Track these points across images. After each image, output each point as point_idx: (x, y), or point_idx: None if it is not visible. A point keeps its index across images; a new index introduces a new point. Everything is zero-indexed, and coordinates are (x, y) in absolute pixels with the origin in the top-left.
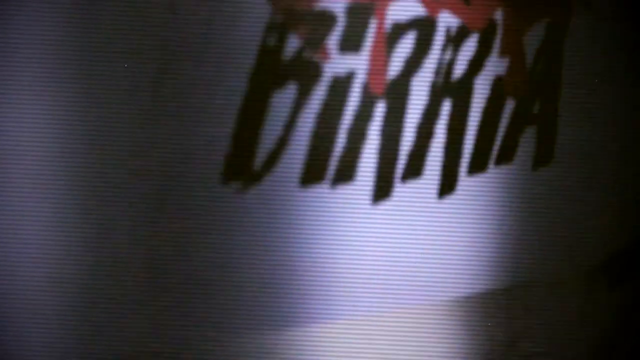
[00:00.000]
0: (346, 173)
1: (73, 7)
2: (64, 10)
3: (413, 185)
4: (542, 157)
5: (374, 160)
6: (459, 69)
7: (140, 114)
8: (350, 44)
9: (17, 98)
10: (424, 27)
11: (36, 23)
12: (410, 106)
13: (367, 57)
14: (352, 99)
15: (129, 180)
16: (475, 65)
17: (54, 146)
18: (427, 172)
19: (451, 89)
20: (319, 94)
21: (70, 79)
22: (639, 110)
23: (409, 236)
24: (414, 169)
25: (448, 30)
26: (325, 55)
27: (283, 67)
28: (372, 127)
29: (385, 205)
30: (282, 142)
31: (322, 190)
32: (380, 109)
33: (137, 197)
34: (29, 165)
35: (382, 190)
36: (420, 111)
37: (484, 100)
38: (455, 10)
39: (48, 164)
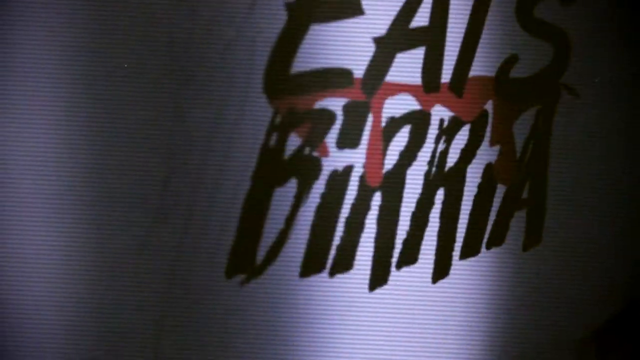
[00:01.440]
0: (344, 263)
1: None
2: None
3: (408, 271)
4: (531, 239)
5: (371, 249)
6: (452, 159)
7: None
8: (348, 139)
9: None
10: (418, 121)
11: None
12: (405, 196)
13: (364, 152)
14: (350, 191)
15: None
16: (468, 155)
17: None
18: (421, 259)
19: (444, 178)
20: (319, 188)
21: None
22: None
23: (406, 321)
24: (409, 256)
25: (441, 123)
26: (324, 151)
27: (284, 164)
28: (369, 218)
29: (382, 292)
30: (283, 236)
31: (321, 280)
32: (377, 200)
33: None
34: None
35: (378, 277)
36: (415, 200)
37: (475, 188)
38: (448, 104)
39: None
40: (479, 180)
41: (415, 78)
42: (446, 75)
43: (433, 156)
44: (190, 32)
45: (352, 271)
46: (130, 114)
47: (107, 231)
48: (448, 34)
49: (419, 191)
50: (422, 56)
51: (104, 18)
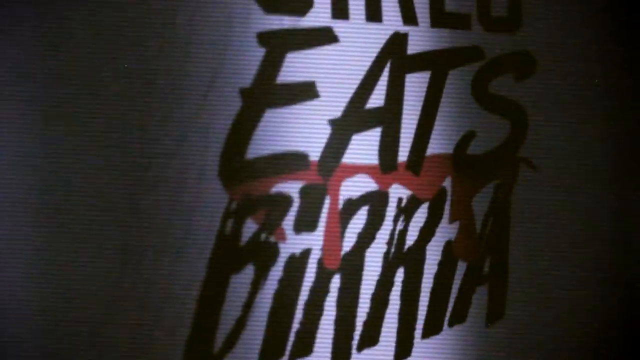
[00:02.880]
0: (304, 348)
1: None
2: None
3: (370, 353)
4: (494, 314)
5: (331, 333)
6: (411, 237)
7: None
8: (306, 223)
9: None
10: (376, 201)
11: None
12: (365, 277)
13: (322, 234)
14: (309, 275)
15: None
16: (427, 233)
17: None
18: (383, 340)
19: (404, 257)
20: (277, 273)
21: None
22: None
23: None
24: (370, 338)
25: (399, 202)
26: (281, 236)
27: (240, 251)
28: (329, 301)
29: None
30: (241, 323)
31: None
32: (336, 282)
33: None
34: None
35: None
36: (374, 281)
37: (436, 265)
38: (405, 183)
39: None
40: (439, 257)
41: (372, 158)
42: (403, 155)
43: (392, 236)
44: (144, 120)
45: (311, 356)
46: (84, 207)
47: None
48: (404, 113)
49: (379, 272)
50: (378, 136)
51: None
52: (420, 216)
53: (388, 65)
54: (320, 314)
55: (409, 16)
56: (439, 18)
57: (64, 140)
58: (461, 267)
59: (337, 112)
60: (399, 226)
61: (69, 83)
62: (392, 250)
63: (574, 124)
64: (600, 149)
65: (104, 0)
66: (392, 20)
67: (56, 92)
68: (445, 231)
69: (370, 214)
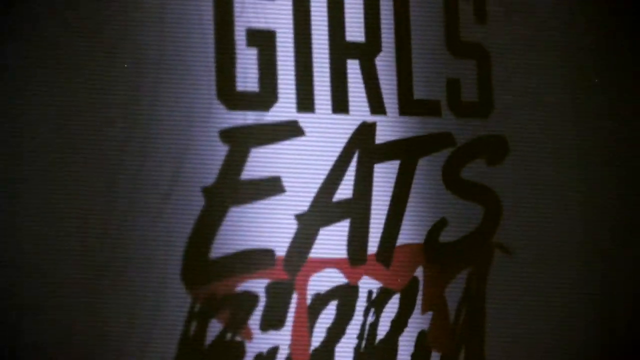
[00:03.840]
0: None
1: None
2: None
3: None
4: None
5: None
6: (383, 330)
7: None
8: (273, 321)
9: None
10: (346, 295)
11: None
12: None
13: (289, 332)
14: None
15: None
16: (399, 324)
17: None
18: None
19: (375, 350)
20: None
21: None
22: None
23: None
24: None
25: (370, 295)
26: (248, 335)
27: (205, 353)
28: None
29: None
30: None
31: None
32: None
33: None
34: None
35: None
36: None
37: (408, 357)
38: (376, 275)
39: None
40: (412, 349)
41: (341, 252)
42: (373, 246)
43: (363, 329)
44: (105, 222)
45: None
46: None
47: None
48: (373, 204)
49: None
50: (346, 229)
51: None
52: (391, 307)
53: (356, 156)
54: None
55: (376, 105)
56: (408, 106)
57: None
58: (435, 359)
59: (303, 206)
60: (370, 319)
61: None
62: (363, 343)
63: (549, 210)
64: (579, 232)
65: (65, 106)
66: (359, 110)
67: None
68: (417, 322)
69: (339, 308)
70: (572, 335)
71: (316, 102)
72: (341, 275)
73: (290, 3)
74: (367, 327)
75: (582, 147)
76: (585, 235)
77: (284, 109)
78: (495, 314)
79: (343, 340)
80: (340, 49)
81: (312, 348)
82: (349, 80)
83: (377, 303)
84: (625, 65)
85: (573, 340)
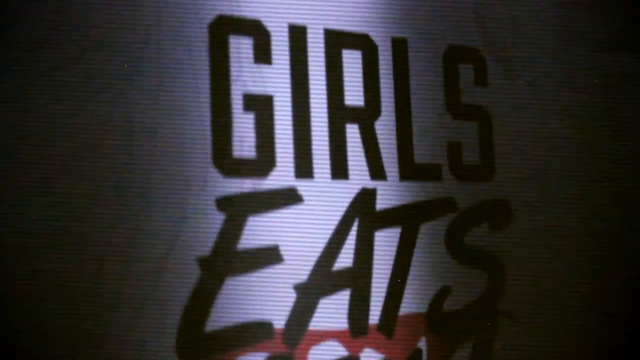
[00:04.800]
0: None
1: None
2: None
3: None
4: None
5: None
6: None
7: None
8: None
9: None
10: None
11: None
12: None
13: None
14: None
15: None
16: None
17: None
18: None
19: None
20: None
21: None
22: None
23: None
24: None
25: None
26: None
27: None
28: None
29: None
30: None
31: None
32: None
33: None
34: None
35: None
36: None
37: None
38: (377, 346)
39: None
40: None
41: (341, 323)
42: (374, 316)
43: None
44: (97, 296)
45: None
46: None
47: None
48: (374, 272)
49: None
50: (347, 299)
51: None
52: None
53: (356, 223)
54: None
55: (376, 170)
56: (409, 170)
57: None
58: None
59: (302, 276)
60: None
61: None
62: None
63: (553, 273)
64: (584, 294)
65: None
66: (359, 175)
67: None
68: None
69: None
70: None
71: (315, 167)
72: (342, 347)
73: (288, 67)
74: None
75: (585, 208)
76: (592, 300)
77: (282, 175)
78: None
79: None
80: (339, 113)
81: None
82: (349, 145)
83: None
84: (630, 129)
85: None
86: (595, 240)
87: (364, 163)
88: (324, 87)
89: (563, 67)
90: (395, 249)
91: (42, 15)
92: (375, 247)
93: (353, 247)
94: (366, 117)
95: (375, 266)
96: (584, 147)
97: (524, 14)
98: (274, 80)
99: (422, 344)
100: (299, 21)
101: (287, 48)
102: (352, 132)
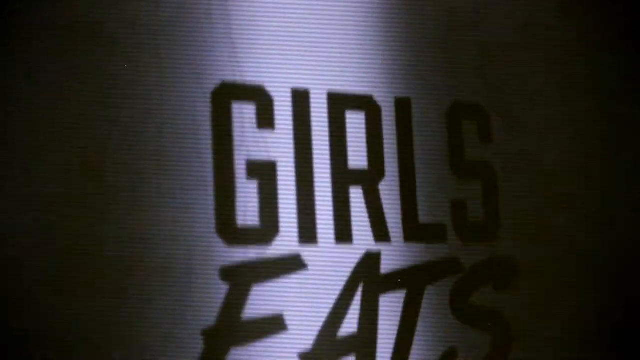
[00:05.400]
0: None
1: None
2: None
3: None
4: None
5: None
6: None
7: None
8: None
9: None
10: None
11: None
12: None
13: None
14: None
15: None
16: None
17: None
18: None
19: None
20: None
21: None
22: None
23: None
24: None
25: None
26: None
27: None
28: None
29: None
30: None
31: None
32: None
33: None
34: None
35: None
36: None
37: None
38: None
39: None
40: None
41: None
42: None
43: None
44: None
45: None
46: None
47: None
48: (379, 338)
49: None
50: None
51: None
52: None
53: (360, 287)
54: None
55: (380, 233)
56: (413, 232)
57: None
58: None
59: (307, 344)
60: None
61: None
62: None
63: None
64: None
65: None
66: (363, 239)
67: None
68: None
69: None
70: None
71: (319, 232)
72: None
73: (291, 132)
74: None
75: (589, 267)
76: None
77: (285, 241)
78: None
79: None
80: (343, 177)
81: None
82: (352, 208)
83: None
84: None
85: None
86: (601, 297)
87: (368, 226)
88: (328, 150)
89: (569, 118)
90: (400, 312)
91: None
92: (380, 312)
93: (358, 312)
94: (370, 178)
95: (380, 331)
96: (590, 202)
97: (526, 68)
98: (278, 146)
99: None
100: (301, 85)
101: (290, 113)
102: (356, 195)
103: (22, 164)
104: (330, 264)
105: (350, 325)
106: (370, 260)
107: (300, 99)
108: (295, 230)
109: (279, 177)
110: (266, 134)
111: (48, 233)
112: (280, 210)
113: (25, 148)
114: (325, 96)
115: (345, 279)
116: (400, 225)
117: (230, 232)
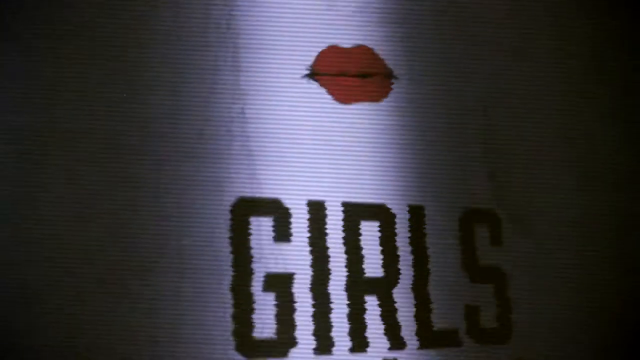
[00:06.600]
0: None
1: None
2: None
3: None
4: None
5: None
6: None
7: None
8: None
9: None
10: None
11: None
12: None
13: None
14: None
15: None
16: None
17: None
18: None
19: None
20: None
21: None
22: None
23: None
24: None
25: None
26: None
27: None
28: None
29: None
30: None
31: None
32: None
33: None
34: None
35: None
36: None
37: None
38: None
39: None
40: None
41: None
42: None
43: None
44: None
45: None
46: None
47: None
48: None
49: None
50: None
51: None
52: None
53: None
54: None
55: (395, 341)
56: (427, 338)
57: None
58: None
59: None
60: None
61: None
62: None
63: None
64: None
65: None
66: (377, 348)
67: None
68: None
69: None
70: None
71: (335, 343)
72: None
73: (307, 243)
74: None
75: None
76: None
77: (302, 353)
78: None
79: None
80: (358, 286)
81: None
82: (367, 317)
83: None
84: None
85: None
86: None
87: (383, 334)
88: (344, 260)
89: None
90: None
91: None
92: None
93: None
94: (385, 286)
95: None
96: (606, 300)
97: (537, 173)
98: (294, 258)
99: None
100: (317, 197)
101: (306, 224)
102: (371, 304)
103: None
104: None
105: None
106: None
107: (316, 210)
108: (312, 341)
109: (295, 289)
110: (283, 246)
111: None
112: (297, 322)
113: None
114: (340, 206)
115: None
116: (414, 332)
117: (248, 346)
